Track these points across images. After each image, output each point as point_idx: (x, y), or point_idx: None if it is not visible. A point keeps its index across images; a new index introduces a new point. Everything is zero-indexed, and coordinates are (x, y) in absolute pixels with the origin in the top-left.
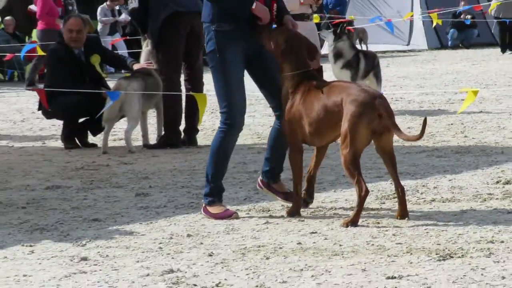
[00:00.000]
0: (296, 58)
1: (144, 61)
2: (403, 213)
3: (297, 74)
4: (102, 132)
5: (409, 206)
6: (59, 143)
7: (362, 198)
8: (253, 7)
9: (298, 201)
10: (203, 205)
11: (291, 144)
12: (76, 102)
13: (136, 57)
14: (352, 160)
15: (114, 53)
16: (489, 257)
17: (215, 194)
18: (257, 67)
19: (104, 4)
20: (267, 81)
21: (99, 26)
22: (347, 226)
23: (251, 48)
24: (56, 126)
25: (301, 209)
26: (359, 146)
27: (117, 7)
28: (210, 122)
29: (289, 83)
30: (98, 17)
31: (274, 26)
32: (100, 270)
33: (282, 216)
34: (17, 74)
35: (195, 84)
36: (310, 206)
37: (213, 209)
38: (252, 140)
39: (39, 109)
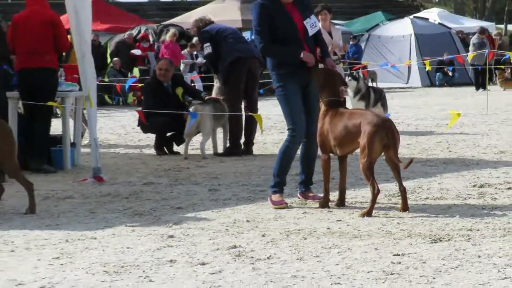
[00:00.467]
0: (330, 89)
1: (215, 94)
2: (405, 207)
3: (329, 101)
4: (184, 143)
5: (409, 203)
6: (152, 151)
7: (375, 195)
8: (301, 56)
9: (327, 196)
10: (270, 194)
11: (322, 153)
12: (165, 121)
13: (209, 89)
14: (368, 166)
15: (192, 87)
16: (468, 241)
17: (278, 186)
18: (304, 97)
19: (185, 50)
20: (307, 109)
21: (182, 66)
22: (363, 216)
23: (303, 83)
24: (150, 138)
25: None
26: (374, 156)
27: (195, 52)
28: (261, 138)
29: (324, 107)
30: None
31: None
32: (183, 245)
33: (316, 208)
34: (121, 100)
35: (252, 110)
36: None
37: (274, 197)
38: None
39: (138, 125)
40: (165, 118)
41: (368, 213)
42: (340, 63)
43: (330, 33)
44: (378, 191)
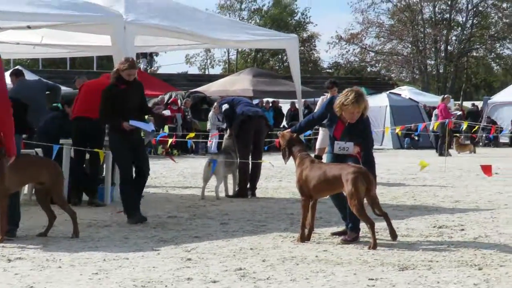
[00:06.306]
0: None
1: (224, 145)
2: (375, 245)
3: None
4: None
5: (381, 238)
6: (176, 191)
7: (372, 228)
8: None
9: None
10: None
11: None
12: None
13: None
14: (360, 207)
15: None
16: (429, 270)
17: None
18: None
19: (211, 112)
20: None
21: (208, 124)
22: (371, 248)
23: None
24: (175, 182)
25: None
26: (360, 198)
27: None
28: (264, 184)
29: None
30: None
31: None
32: (198, 266)
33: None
34: (152, 151)
35: (258, 159)
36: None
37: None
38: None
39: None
40: None
41: (374, 246)
42: None
43: None
44: (373, 223)
